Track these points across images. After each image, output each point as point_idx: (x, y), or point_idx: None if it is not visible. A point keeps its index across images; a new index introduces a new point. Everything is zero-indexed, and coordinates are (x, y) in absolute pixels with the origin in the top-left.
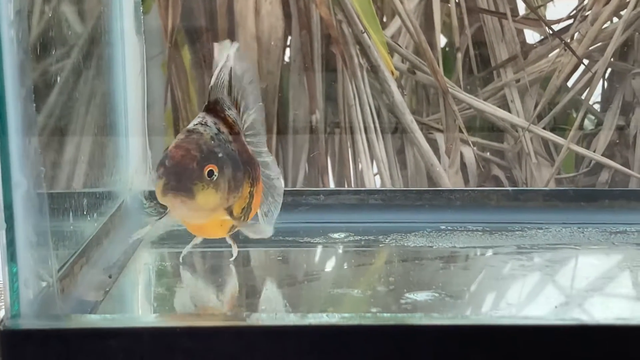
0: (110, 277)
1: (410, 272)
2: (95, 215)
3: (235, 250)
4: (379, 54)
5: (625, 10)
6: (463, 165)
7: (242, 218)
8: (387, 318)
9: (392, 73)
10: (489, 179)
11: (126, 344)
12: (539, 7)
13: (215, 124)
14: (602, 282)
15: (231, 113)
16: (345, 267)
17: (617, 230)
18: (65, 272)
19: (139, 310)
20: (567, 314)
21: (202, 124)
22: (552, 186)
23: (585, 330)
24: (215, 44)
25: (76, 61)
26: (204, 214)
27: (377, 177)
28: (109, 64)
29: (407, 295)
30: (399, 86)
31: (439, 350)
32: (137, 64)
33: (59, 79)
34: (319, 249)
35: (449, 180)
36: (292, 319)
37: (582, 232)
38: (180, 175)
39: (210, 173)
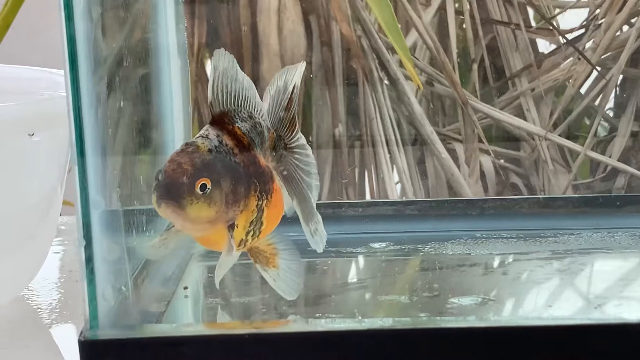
0: (185, 288)
1: (451, 278)
2: (152, 231)
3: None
4: (406, 68)
5: (638, 17)
6: (482, 174)
7: (252, 232)
8: (441, 321)
9: (419, 87)
10: (507, 187)
11: (197, 352)
12: (553, 17)
13: (217, 136)
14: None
15: (244, 125)
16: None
17: None
18: (133, 286)
19: (197, 319)
20: (607, 314)
21: (202, 137)
22: (569, 192)
23: (626, 327)
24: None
25: (130, 80)
26: (201, 226)
27: (399, 187)
28: (157, 82)
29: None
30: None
31: (490, 350)
32: (182, 81)
33: (116, 98)
34: (361, 258)
35: (469, 189)
36: (350, 324)
37: (613, 237)
38: (170, 188)
39: (203, 187)
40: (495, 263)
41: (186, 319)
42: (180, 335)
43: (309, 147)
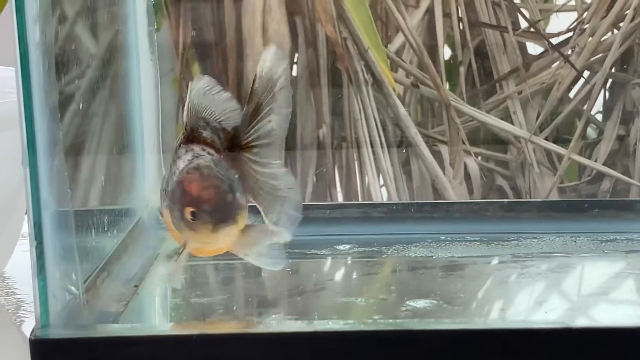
0: (136, 286)
1: (410, 280)
2: (115, 231)
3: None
4: (381, 70)
5: (623, 22)
6: (467, 176)
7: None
8: (387, 324)
9: (394, 89)
10: (493, 189)
11: (148, 351)
12: (538, 21)
13: (202, 149)
14: (591, 288)
15: (207, 133)
16: (350, 277)
17: (608, 238)
18: (89, 285)
19: (157, 320)
20: (556, 318)
21: (196, 156)
22: (554, 195)
23: (571, 333)
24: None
25: (92, 81)
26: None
27: (384, 189)
28: (124, 83)
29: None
30: (402, 100)
31: (435, 355)
32: (151, 82)
33: (75, 98)
34: (325, 260)
35: (453, 191)
36: (300, 326)
37: (575, 241)
38: (223, 212)
39: (242, 197)
40: (455, 266)
41: (144, 319)
42: (131, 335)
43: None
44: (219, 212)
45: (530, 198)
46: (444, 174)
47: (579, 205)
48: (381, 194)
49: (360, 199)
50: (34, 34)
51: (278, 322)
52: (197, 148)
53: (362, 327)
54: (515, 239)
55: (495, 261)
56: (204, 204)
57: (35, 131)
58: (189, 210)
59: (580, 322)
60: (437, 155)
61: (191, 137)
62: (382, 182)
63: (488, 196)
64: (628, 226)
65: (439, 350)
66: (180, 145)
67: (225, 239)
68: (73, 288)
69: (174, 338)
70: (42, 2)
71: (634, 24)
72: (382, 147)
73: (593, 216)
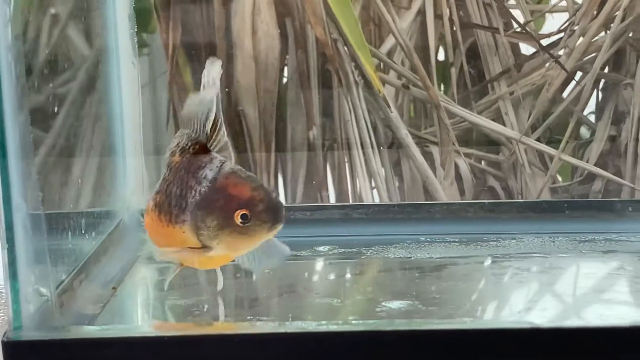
0: (114, 288)
1: (387, 281)
2: (93, 233)
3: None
4: (367, 72)
5: (613, 23)
6: (459, 177)
7: None
8: (359, 324)
9: (379, 91)
10: (484, 189)
11: (120, 353)
12: (528, 22)
13: (223, 157)
14: (565, 288)
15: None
16: (328, 278)
17: (586, 239)
18: (65, 287)
19: (132, 321)
20: (527, 319)
21: (223, 162)
22: (545, 196)
23: (540, 333)
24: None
25: (72, 84)
26: None
27: (375, 191)
28: (106, 86)
29: (383, 303)
30: (386, 102)
31: (405, 355)
32: (133, 84)
33: (51, 101)
34: (304, 261)
35: (444, 192)
36: (272, 327)
37: (553, 242)
38: (279, 210)
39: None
40: (432, 267)
41: (121, 321)
42: (103, 337)
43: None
44: (275, 212)
45: (522, 199)
46: (435, 175)
47: (558, 205)
48: (372, 196)
49: (351, 201)
50: (6, 36)
51: (252, 324)
52: (217, 155)
53: (334, 328)
54: (494, 240)
55: (472, 262)
56: (259, 205)
57: (6, 134)
58: (239, 213)
59: (549, 322)
60: (429, 156)
61: (205, 145)
62: (373, 184)
63: (480, 197)
64: (607, 227)
65: (408, 351)
66: (192, 154)
67: (269, 235)
68: (45, 290)
69: (145, 340)
70: (15, 3)
71: (624, 25)
72: (372, 148)
73: (572, 217)
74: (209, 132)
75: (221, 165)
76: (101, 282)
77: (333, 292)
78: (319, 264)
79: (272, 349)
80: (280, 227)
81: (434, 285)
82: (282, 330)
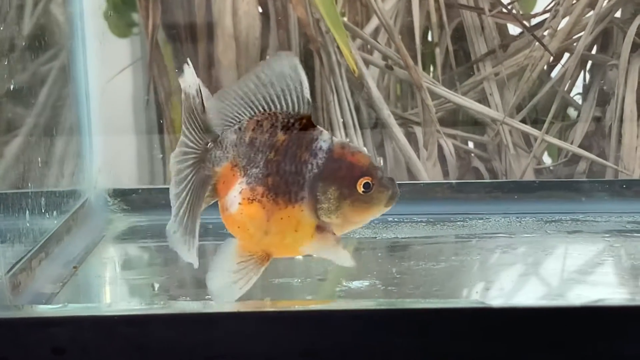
0: (75, 268)
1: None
2: (55, 213)
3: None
4: (342, 52)
5: (597, 3)
6: (443, 158)
7: None
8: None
9: (354, 71)
10: (469, 170)
11: (68, 332)
12: (513, 2)
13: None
14: (525, 268)
15: None
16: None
17: (553, 219)
18: (22, 267)
19: (92, 300)
20: (485, 299)
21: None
22: (529, 176)
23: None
24: None
25: (34, 61)
26: None
27: None
28: (71, 66)
29: (344, 283)
30: (361, 83)
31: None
32: (99, 63)
33: (5, 79)
34: None
35: (427, 173)
36: (225, 307)
37: (520, 222)
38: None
39: None
40: (397, 247)
41: (79, 301)
42: (54, 316)
43: None
44: (392, 180)
45: (506, 179)
46: (419, 156)
47: (527, 185)
48: None
49: None
50: None
51: (204, 304)
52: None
53: (290, 308)
54: (461, 220)
55: (437, 242)
56: (379, 172)
57: None
58: (362, 182)
59: (504, 301)
60: (413, 137)
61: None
62: None
63: (464, 177)
64: (574, 207)
65: (357, 329)
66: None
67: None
68: None
69: (95, 318)
70: None
71: (609, 5)
72: (354, 129)
73: (540, 197)
74: (310, 102)
75: (327, 139)
76: (62, 262)
77: (295, 272)
78: None
79: (219, 329)
80: (397, 198)
81: (395, 267)
82: (233, 309)
